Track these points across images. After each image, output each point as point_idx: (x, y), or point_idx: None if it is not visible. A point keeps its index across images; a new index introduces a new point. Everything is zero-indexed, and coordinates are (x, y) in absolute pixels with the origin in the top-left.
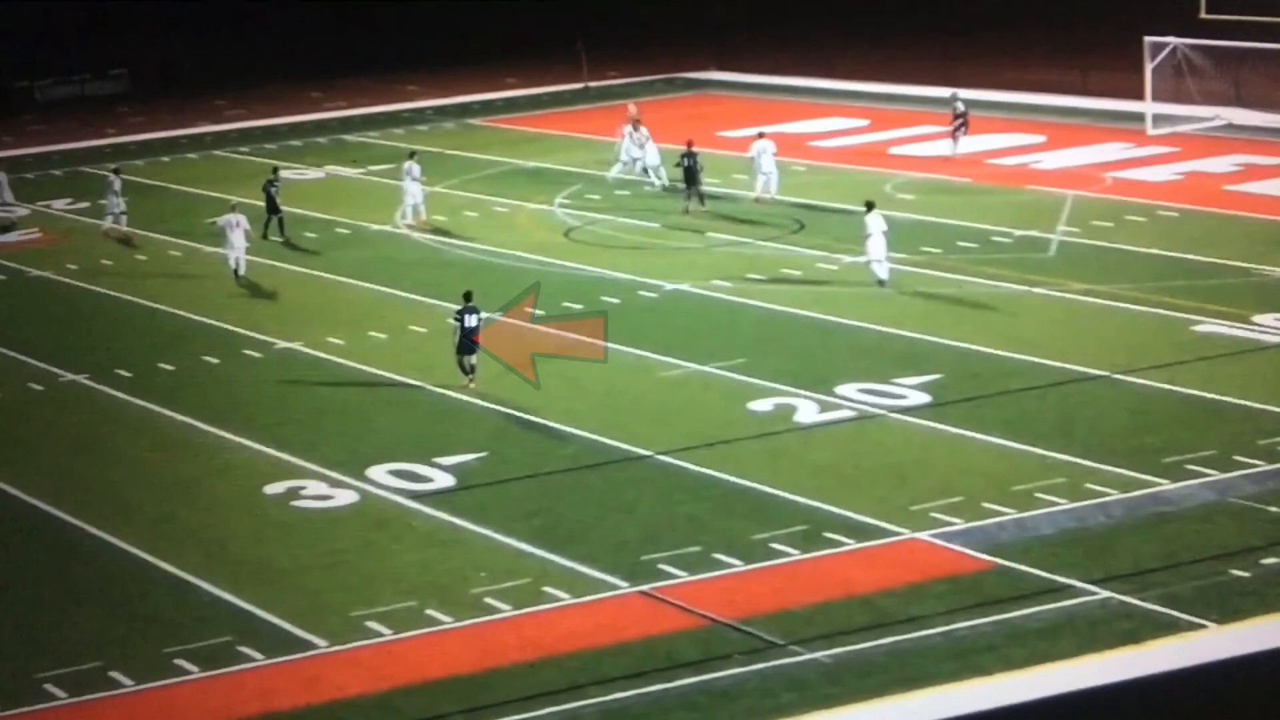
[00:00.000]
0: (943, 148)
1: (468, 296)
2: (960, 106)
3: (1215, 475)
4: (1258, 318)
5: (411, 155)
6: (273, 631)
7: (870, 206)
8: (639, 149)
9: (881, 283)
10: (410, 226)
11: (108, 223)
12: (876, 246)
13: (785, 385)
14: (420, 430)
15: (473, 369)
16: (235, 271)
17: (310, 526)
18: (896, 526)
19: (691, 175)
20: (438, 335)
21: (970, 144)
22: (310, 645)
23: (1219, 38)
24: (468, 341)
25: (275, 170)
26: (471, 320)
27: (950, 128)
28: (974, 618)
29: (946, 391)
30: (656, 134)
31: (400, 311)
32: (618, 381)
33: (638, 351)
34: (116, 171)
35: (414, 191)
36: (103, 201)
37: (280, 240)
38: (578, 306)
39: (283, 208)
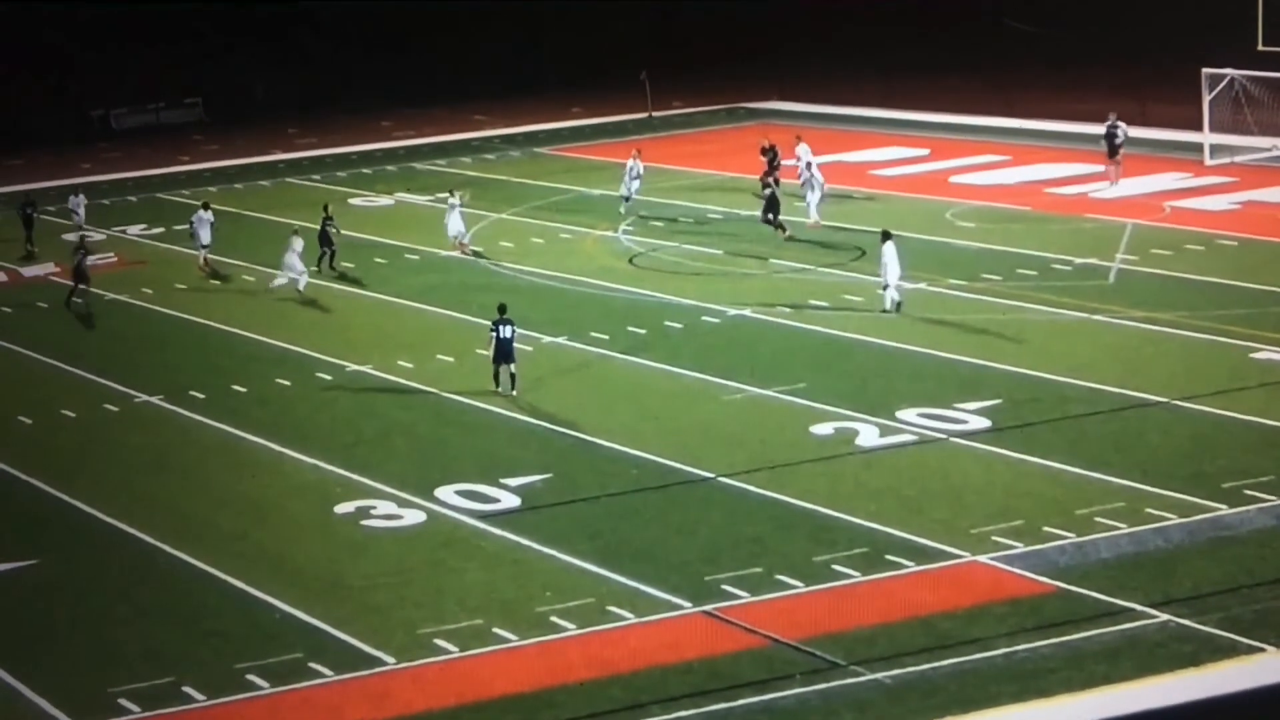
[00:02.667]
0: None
1: (502, 309)
2: (1120, 134)
3: (1274, 500)
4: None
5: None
6: (342, 648)
7: (886, 236)
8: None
9: (890, 309)
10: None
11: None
12: (892, 273)
13: (846, 409)
14: (487, 451)
15: (513, 378)
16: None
17: (379, 545)
18: (957, 549)
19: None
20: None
21: (1030, 173)
22: (379, 662)
23: (1277, 69)
24: (503, 352)
25: (327, 207)
26: (506, 331)
27: (1108, 161)
28: (1035, 640)
29: (1006, 416)
30: (719, 163)
31: (467, 335)
32: (681, 405)
33: (701, 375)
34: (206, 206)
35: (455, 221)
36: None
37: (333, 273)
38: (641, 331)
39: (348, 234)
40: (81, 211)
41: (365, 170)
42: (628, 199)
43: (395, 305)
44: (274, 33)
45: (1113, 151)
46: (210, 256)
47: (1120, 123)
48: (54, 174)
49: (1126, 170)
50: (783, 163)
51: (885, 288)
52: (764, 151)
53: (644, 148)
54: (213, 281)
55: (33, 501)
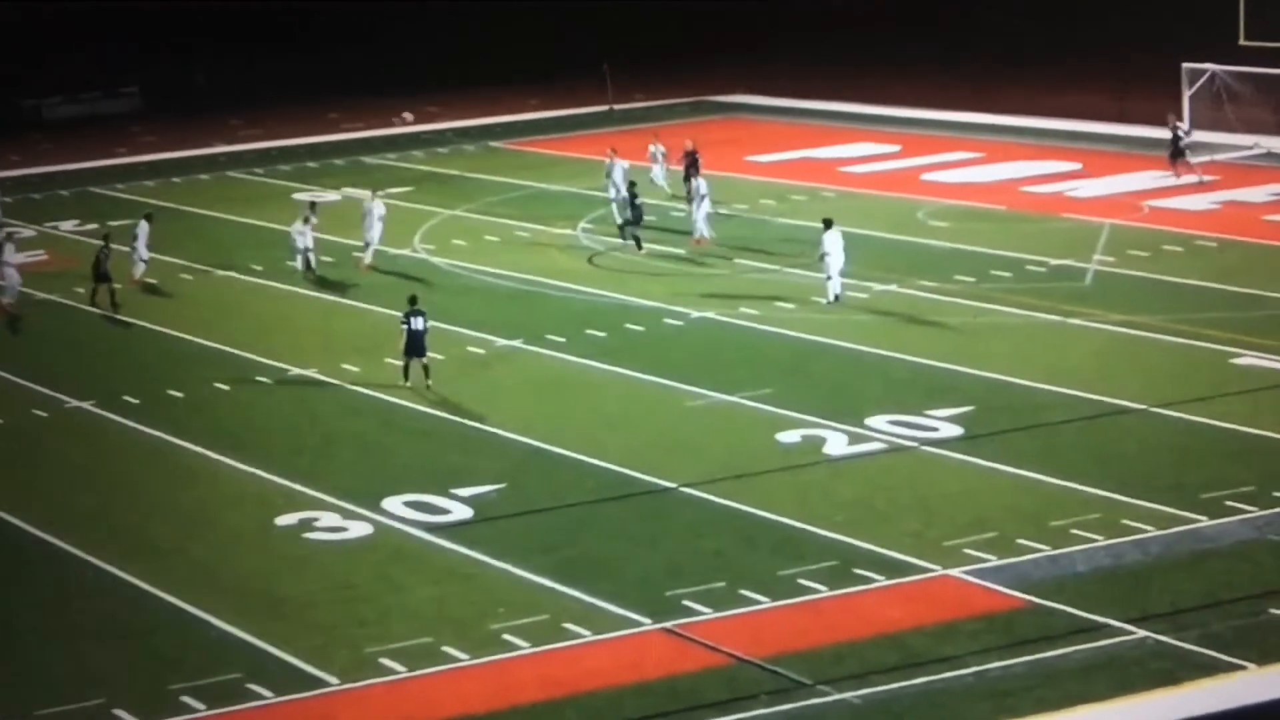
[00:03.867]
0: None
1: (413, 300)
2: (1182, 131)
3: (1255, 511)
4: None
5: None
6: (283, 668)
7: (828, 225)
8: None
9: (833, 300)
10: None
11: (138, 272)
12: (835, 264)
13: (814, 416)
14: (437, 460)
15: (426, 370)
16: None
17: (323, 559)
18: (928, 563)
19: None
20: (457, 362)
21: (1004, 171)
22: (322, 683)
23: (1259, 65)
24: (416, 345)
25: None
26: (418, 323)
27: (1173, 164)
28: (1007, 658)
29: (980, 424)
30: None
31: None
32: (642, 412)
33: (662, 381)
34: (149, 217)
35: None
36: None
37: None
38: (600, 334)
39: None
40: None
41: (311, 164)
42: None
43: (341, 305)
44: (218, 20)
45: (1177, 154)
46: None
47: (1180, 123)
48: None
49: (1103, 169)
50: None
51: (828, 279)
52: (688, 154)
53: (606, 141)
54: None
55: None
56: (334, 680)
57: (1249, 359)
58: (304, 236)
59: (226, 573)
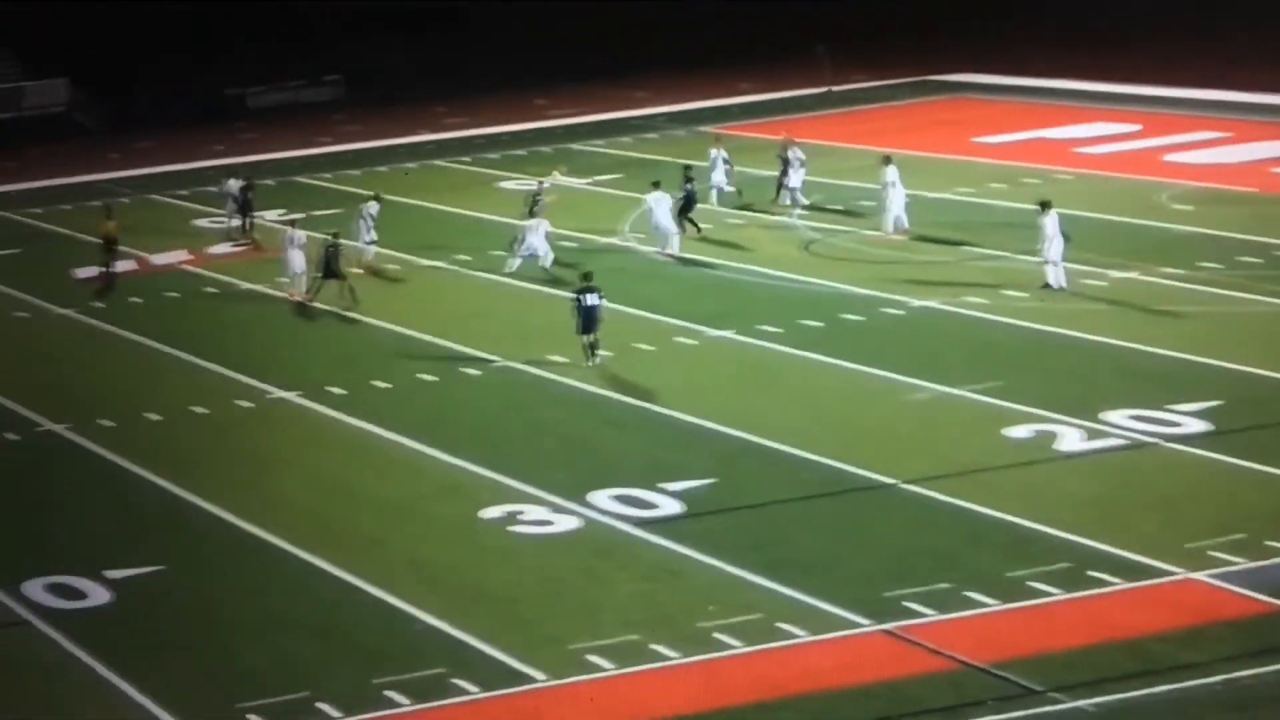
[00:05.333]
0: None
1: (587, 277)
2: None
3: None
4: None
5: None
6: (488, 663)
7: (1046, 207)
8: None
9: (1049, 288)
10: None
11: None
12: (1054, 249)
13: (1045, 410)
14: (646, 454)
15: (594, 345)
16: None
17: (528, 553)
18: (1170, 565)
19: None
20: (665, 354)
21: (1253, 151)
22: (528, 679)
23: None
24: (589, 321)
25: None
26: (591, 299)
27: None
28: (1258, 666)
29: (1227, 419)
30: (904, 141)
31: (626, 328)
32: (860, 404)
33: (881, 373)
34: (378, 198)
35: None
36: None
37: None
38: (816, 324)
39: (501, 220)
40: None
41: (518, 151)
42: (722, 191)
43: (548, 296)
44: (421, 6)
45: None
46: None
47: None
48: (185, 156)
49: None
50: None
51: (1048, 264)
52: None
53: (824, 124)
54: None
55: (160, 503)
56: (540, 676)
57: None
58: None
59: (431, 565)
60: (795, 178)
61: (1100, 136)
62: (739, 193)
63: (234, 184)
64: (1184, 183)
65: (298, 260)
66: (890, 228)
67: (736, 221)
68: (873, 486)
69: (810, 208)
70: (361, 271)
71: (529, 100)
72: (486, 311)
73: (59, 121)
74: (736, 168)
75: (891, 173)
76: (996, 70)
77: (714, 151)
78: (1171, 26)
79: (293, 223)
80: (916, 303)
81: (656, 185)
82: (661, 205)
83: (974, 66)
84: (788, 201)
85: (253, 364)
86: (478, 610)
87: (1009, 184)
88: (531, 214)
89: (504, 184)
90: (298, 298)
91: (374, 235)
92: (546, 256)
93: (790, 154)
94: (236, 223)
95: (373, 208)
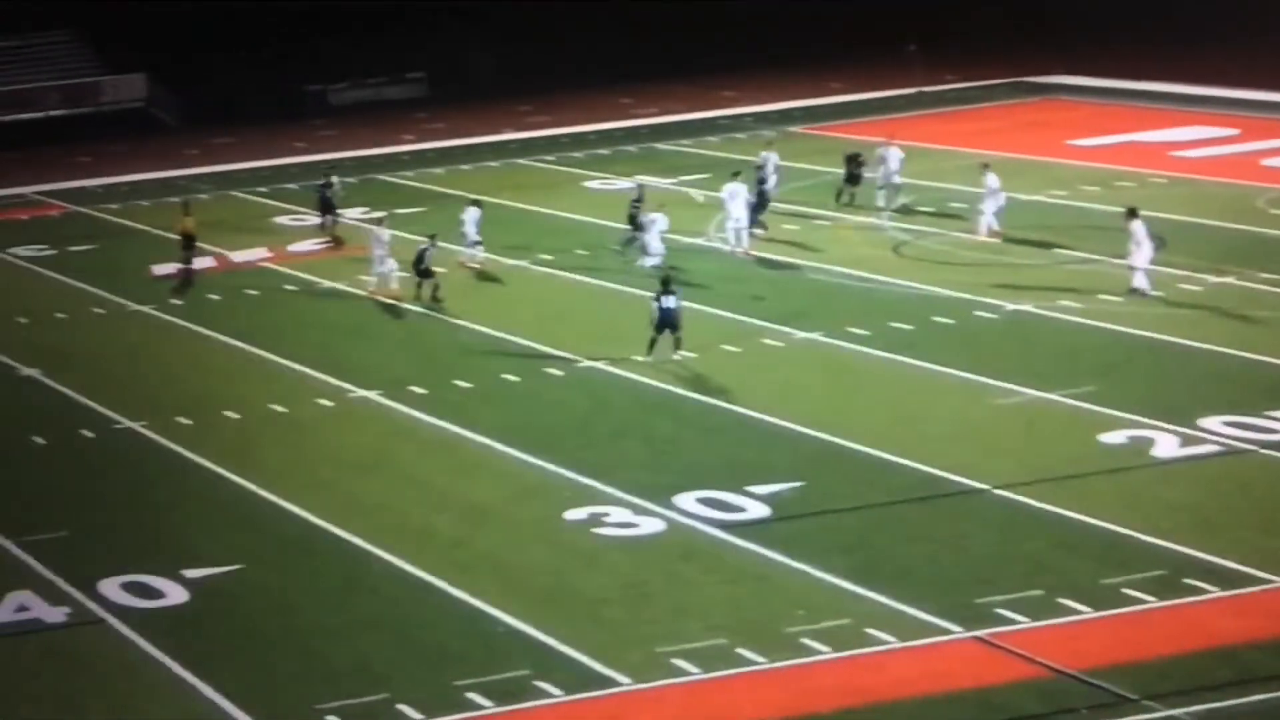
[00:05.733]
0: None
1: (665, 281)
2: None
3: None
4: None
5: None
6: (572, 666)
7: (1133, 214)
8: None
9: (1136, 292)
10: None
11: (474, 256)
12: (1143, 255)
13: (1140, 416)
14: (731, 456)
15: (678, 342)
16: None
17: (613, 556)
18: (1268, 574)
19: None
20: (751, 355)
21: None
22: (612, 682)
23: None
24: (668, 322)
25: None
26: (669, 301)
27: None
28: None
29: None
30: (997, 142)
31: (711, 329)
32: (951, 408)
33: (973, 376)
34: (477, 203)
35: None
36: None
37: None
38: (906, 327)
39: (585, 220)
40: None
41: (603, 151)
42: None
43: (630, 296)
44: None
45: None
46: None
47: None
48: (265, 153)
49: None
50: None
51: (1135, 270)
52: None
53: (916, 125)
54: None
55: (238, 502)
56: (625, 680)
57: None
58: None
59: (514, 566)
60: (894, 172)
61: (1196, 140)
62: (843, 196)
63: (337, 183)
64: None
65: (385, 259)
66: (983, 230)
67: (824, 223)
68: (964, 491)
69: (902, 210)
70: (470, 268)
71: (615, 99)
72: (570, 311)
73: (137, 117)
74: (838, 169)
75: (991, 179)
76: (1090, 72)
77: (764, 154)
78: (1268, 28)
79: (379, 221)
80: (1010, 306)
81: (736, 175)
82: (736, 198)
83: (1067, 68)
84: (880, 203)
85: (333, 362)
86: (561, 612)
87: (1103, 187)
88: (634, 220)
89: (589, 183)
90: (384, 296)
91: (479, 237)
92: (656, 256)
93: (886, 152)
94: (323, 220)
95: (474, 213)
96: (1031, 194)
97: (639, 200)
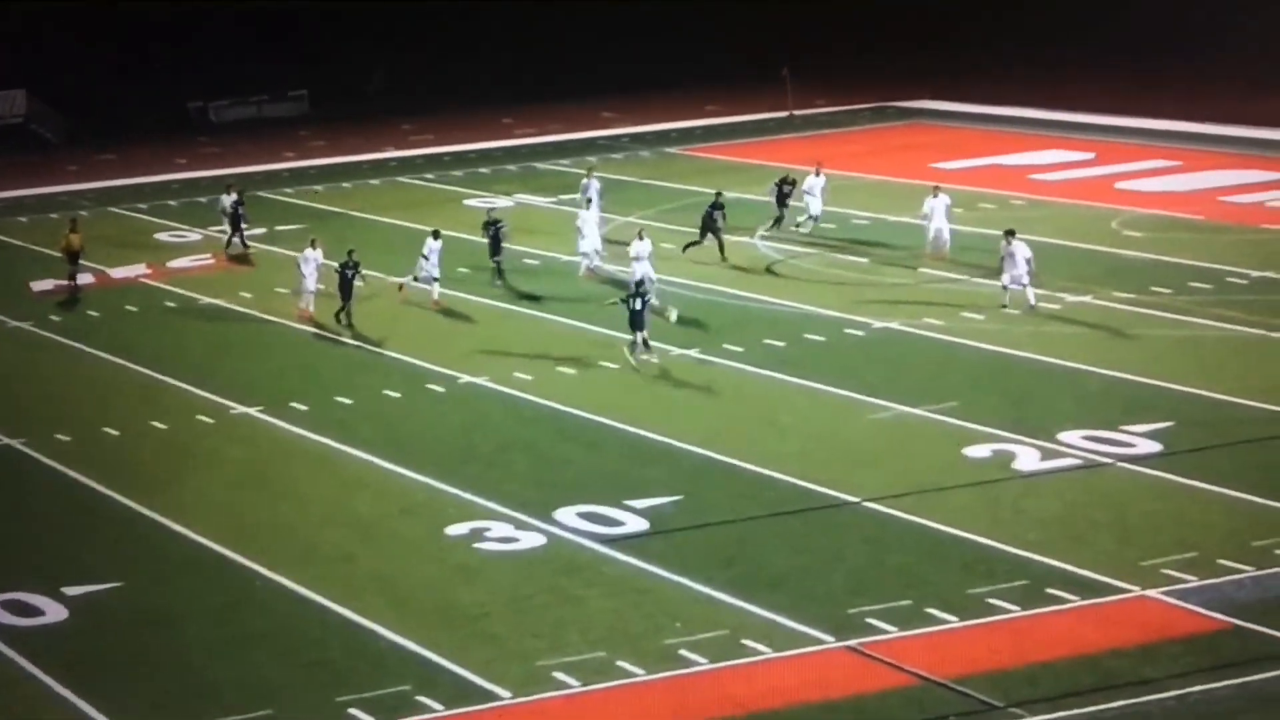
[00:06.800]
0: None
1: (638, 285)
2: None
3: None
4: None
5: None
6: (454, 680)
7: (1011, 234)
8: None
9: (1014, 307)
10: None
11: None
12: (1016, 274)
13: (1003, 430)
14: (611, 471)
15: (645, 342)
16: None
17: (495, 570)
18: (1125, 583)
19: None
20: (630, 372)
21: (1202, 180)
22: (493, 696)
23: None
24: (636, 322)
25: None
26: (636, 304)
27: None
28: (1211, 681)
29: (1179, 440)
30: (865, 165)
31: (590, 345)
32: (822, 424)
33: (844, 392)
34: (436, 235)
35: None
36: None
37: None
38: (779, 344)
39: (462, 238)
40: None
41: (483, 170)
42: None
43: (512, 313)
44: (387, 23)
45: None
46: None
47: None
48: (147, 169)
49: None
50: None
51: (1012, 287)
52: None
53: (787, 147)
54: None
55: (119, 519)
56: (506, 694)
57: None
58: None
59: (397, 582)
60: (816, 205)
61: (1054, 164)
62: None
63: (227, 199)
64: (1135, 210)
65: (310, 277)
66: (930, 249)
67: (705, 243)
68: (836, 504)
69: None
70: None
71: (497, 119)
72: (451, 329)
73: (17, 133)
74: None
75: (932, 202)
76: (954, 97)
77: (586, 180)
78: (1123, 58)
79: (312, 242)
80: (878, 324)
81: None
82: (589, 222)
83: (933, 93)
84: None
85: (214, 379)
86: (444, 627)
87: (966, 209)
88: (495, 240)
89: (469, 201)
90: (305, 318)
91: (437, 273)
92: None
93: (811, 181)
94: (231, 237)
95: (434, 244)
96: (898, 215)
97: (496, 222)
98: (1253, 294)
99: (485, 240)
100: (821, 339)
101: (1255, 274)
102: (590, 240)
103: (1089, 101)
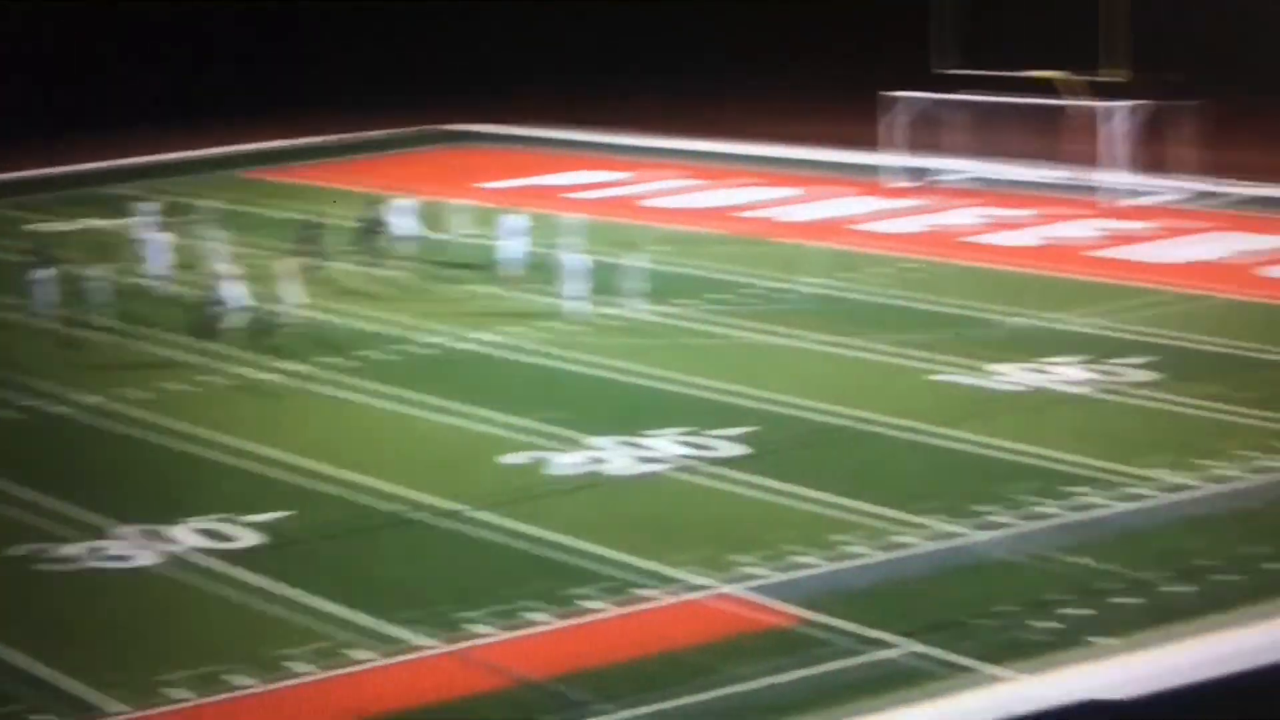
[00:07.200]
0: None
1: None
2: None
3: (1017, 526)
4: (992, 366)
5: None
6: (66, 698)
7: (572, 251)
8: None
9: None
10: None
11: None
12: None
13: (584, 436)
14: (224, 486)
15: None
16: None
17: (107, 587)
18: (707, 580)
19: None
20: (210, 390)
21: (723, 197)
22: (105, 711)
23: (962, 91)
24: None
25: None
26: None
27: None
28: (786, 672)
29: (753, 443)
30: (411, 187)
31: (190, 364)
32: (414, 435)
33: (401, 407)
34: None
35: None
36: None
37: None
38: (333, 359)
39: None
40: None
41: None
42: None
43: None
44: None
45: None
46: None
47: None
48: None
49: (817, 192)
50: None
51: (569, 300)
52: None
53: (338, 170)
54: None
55: None
56: (122, 708)
57: (948, 376)
58: None
59: (8, 600)
60: (402, 227)
61: (590, 183)
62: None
63: None
64: (660, 226)
65: None
66: (502, 267)
67: (260, 258)
68: (439, 512)
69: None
70: None
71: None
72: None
73: None
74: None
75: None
76: (499, 120)
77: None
78: (661, 76)
79: None
80: (431, 338)
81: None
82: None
83: (478, 117)
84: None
85: None
86: (56, 644)
87: (491, 226)
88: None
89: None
90: None
91: None
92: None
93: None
94: None
95: None
96: (443, 233)
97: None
98: (767, 304)
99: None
100: (374, 354)
101: (768, 284)
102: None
103: (620, 122)
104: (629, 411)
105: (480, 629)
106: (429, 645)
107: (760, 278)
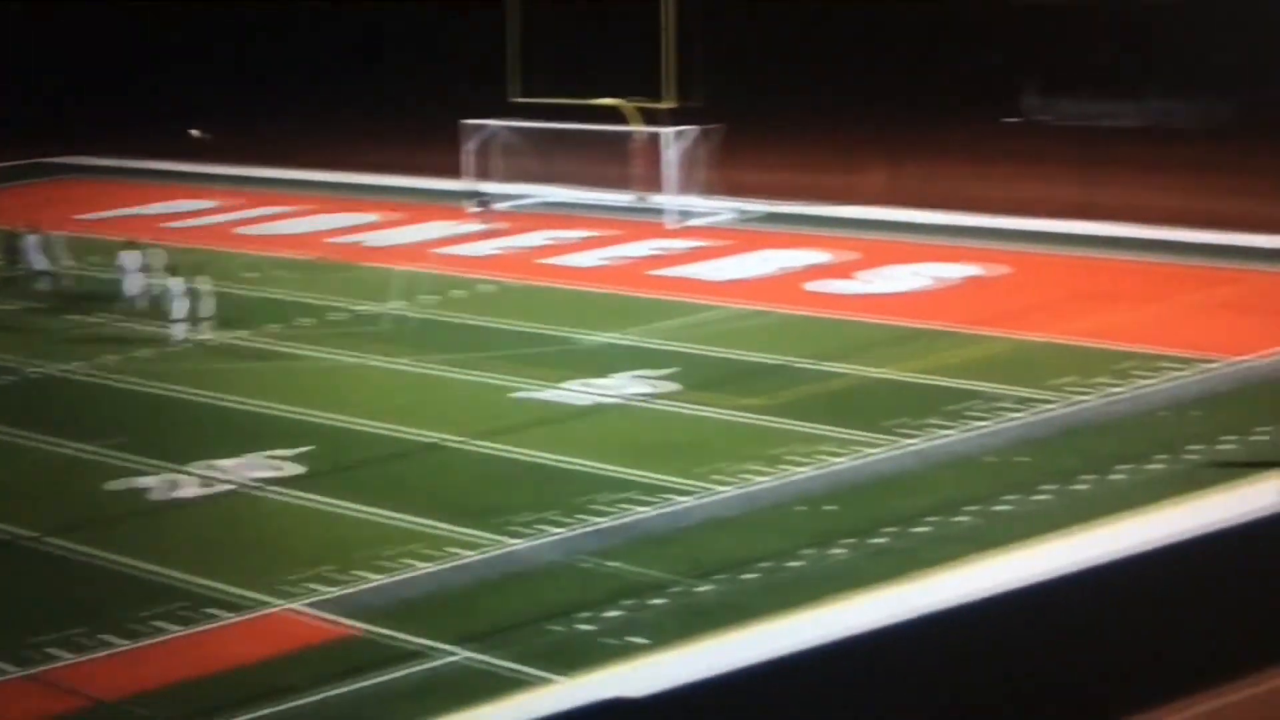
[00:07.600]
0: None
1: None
2: None
3: (561, 533)
4: (570, 383)
5: None
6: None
7: (183, 274)
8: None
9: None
10: None
11: None
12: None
13: (157, 460)
14: None
15: None
16: None
17: None
18: (272, 598)
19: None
20: None
21: (311, 224)
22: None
23: (531, 119)
24: None
25: None
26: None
27: None
28: (346, 684)
29: (319, 462)
30: (14, 220)
31: None
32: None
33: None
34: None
35: None
36: None
37: None
38: None
39: None
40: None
41: None
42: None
43: None
44: None
45: None
46: None
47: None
48: None
49: (398, 219)
50: None
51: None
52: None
53: None
54: None
55: None
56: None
57: (527, 393)
58: None
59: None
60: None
61: (183, 212)
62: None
63: None
64: (252, 252)
65: None
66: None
67: None
68: (9, 539)
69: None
70: None
71: None
72: None
73: None
74: None
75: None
76: (98, 153)
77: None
78: (264, 109)
79: None
80: (29, 370)
81: None
82: None
83: (81, 149)
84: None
85: None
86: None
87: (104, 255)
88: None
89: None
90: None
91: None
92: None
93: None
94: None
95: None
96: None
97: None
98: (351, 327)
99: None
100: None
101: (355, 307)
102: None
103: (223, 154)
104: (193, 435)
105: (60, 654)
106: (9, 671)
107: (348, 301)
